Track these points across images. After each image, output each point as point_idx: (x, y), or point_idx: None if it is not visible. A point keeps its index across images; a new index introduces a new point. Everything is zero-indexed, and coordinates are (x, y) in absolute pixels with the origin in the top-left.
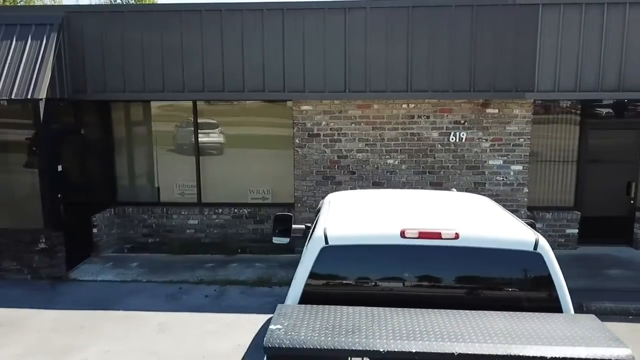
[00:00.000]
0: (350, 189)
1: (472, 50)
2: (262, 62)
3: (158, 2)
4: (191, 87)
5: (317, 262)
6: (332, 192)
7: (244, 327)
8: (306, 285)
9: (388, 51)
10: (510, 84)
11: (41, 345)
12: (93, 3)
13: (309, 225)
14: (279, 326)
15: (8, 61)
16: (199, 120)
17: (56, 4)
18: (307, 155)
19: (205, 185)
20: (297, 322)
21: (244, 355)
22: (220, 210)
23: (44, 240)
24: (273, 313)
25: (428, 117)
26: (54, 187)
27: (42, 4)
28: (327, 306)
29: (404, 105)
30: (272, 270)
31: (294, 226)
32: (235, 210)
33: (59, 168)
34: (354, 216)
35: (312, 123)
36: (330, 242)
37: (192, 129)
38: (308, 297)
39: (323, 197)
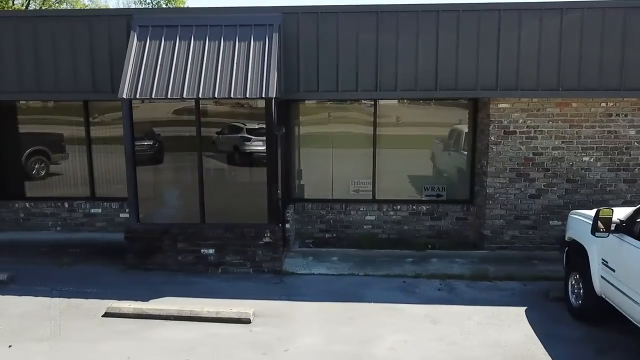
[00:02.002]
0: (544, 186)
1: None
2: (476, 61)
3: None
4: (403, 86)
5: None
6: (525, 189)
7: (509, 318)
8: None
9: (602, 51)
10: None
11: (333, 335)
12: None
13: (622, 220)
14: None
15: (235, 61)
16: (377, 120)
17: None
18: (502, 153)
19: (379, 182)
20: None
21: (544, 345)
22: (398, 207)
23: (268, 235)
24: (522, 305)
25: (626, 115)
26: (276, 183)
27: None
28: None
29: (603, 104)
30: (478, 265)
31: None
32: (413, 207)
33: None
34: None
35: (508, 121)
36: None
37: (371, 128)
38: None
39: (515, 195)
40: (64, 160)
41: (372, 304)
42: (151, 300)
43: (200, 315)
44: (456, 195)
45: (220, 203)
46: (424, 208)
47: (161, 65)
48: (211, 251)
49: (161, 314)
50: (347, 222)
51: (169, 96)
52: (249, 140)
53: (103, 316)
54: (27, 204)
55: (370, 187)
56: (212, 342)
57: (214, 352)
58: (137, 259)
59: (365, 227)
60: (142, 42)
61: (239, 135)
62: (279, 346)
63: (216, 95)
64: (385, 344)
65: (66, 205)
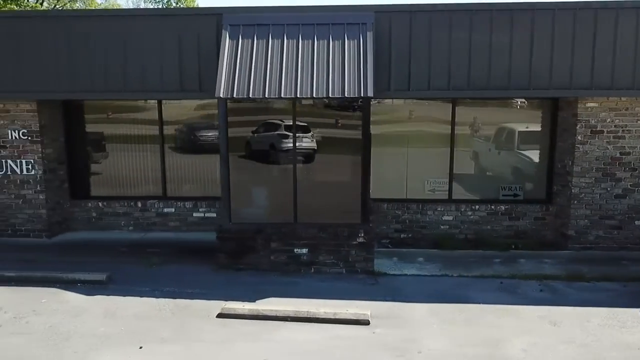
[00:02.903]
0: (630, 186)
1: None
2: (570, 60)
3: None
4: (495, 84)
5: None
6: (611, 189)
7: (629, 320)
8: None
9: None
10: None
11: (458, 337)
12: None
13: None
14: None
15: (331, 60)
16: (456, 120)
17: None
18: (589, 152)
19: (455, 182)
20: None
21: None
22: (476, 207)
23: (362, 235)
24: (635, 307)
25: None
26: (368, 183)
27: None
28: None
29: None
30: (568, 265)
31: None
32: (492, 207)
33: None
34: None
35: (596, 120)
36: None
37: (449, 127)
38: None
39: (600, 194)
40: (104, 159)
41: (482, 305)
42: (259, 301)
43: (317, 317)
44: (533, 195)
45: (304, 203)
46: (502, 208)
47: (256, 64)
48: (304, 251)
49: (277, 315)
50: (423, 222)
51: (266, 95)
52: (287, 137)
53: (217, 317)
54: (100, 204)
55: (447, 186)
56: (342, 345)
57: (350, 355)
58: (228, 258)
59: (442, 227)
60: (235, 41)
61: (277, 132)
62: (410, 348)
63: (314, 95)
64: (515, 346)
65: (139, 204)
